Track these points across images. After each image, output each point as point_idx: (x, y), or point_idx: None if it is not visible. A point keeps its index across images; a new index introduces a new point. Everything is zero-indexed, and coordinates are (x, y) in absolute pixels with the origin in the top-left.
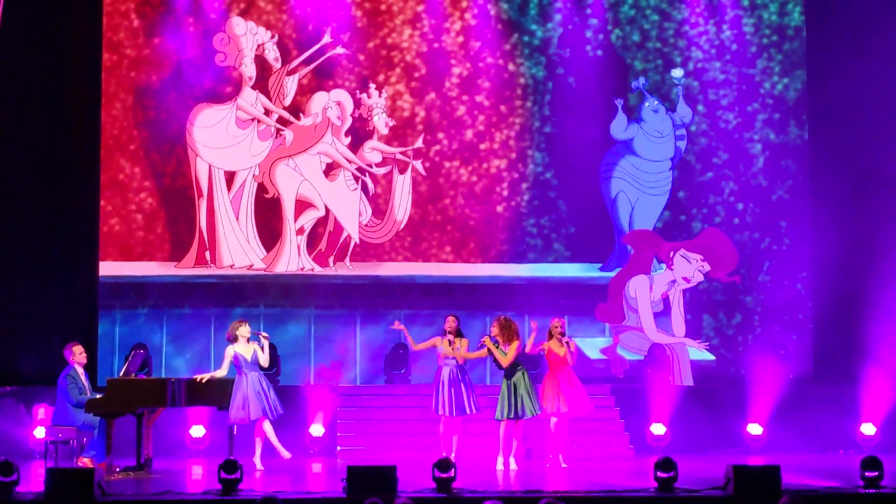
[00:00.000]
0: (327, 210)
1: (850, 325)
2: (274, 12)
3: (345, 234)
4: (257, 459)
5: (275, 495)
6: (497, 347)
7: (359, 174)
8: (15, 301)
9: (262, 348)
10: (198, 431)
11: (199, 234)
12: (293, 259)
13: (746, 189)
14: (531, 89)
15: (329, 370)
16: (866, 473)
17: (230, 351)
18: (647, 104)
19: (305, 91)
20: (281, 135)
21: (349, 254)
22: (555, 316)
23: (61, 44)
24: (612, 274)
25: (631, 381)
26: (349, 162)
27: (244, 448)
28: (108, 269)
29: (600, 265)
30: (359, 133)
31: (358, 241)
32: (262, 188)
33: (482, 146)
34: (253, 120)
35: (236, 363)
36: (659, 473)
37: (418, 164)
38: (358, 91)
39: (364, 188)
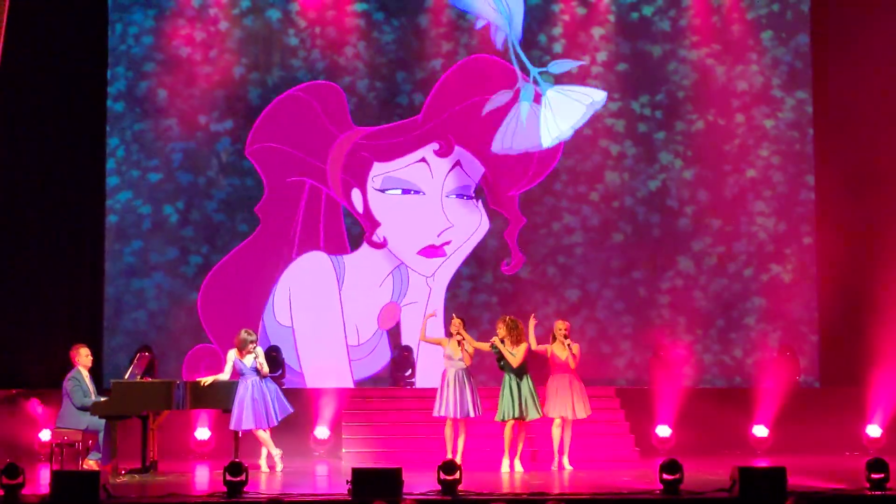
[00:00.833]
0: None
1: (857, 327)
2: None
3: None
4: (263, 462)
5: (280, 498)
6: (505, 348)
7: None
8: (21, 304)
9: (258, 357)
10: (203, 434)
11: None
12: None
13: (752, 191)
14: None
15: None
16: (872, 475)
17: (231, 355)
18: None
19: None
20: None
21: None
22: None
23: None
24: None
25: (636, 382)
26: None
27: (249, 450)
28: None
29: None
30: None
31: None
32: None
33: None
34: None
35: (237, 369)
36: (664, 475)
37: None
38: None
39: None
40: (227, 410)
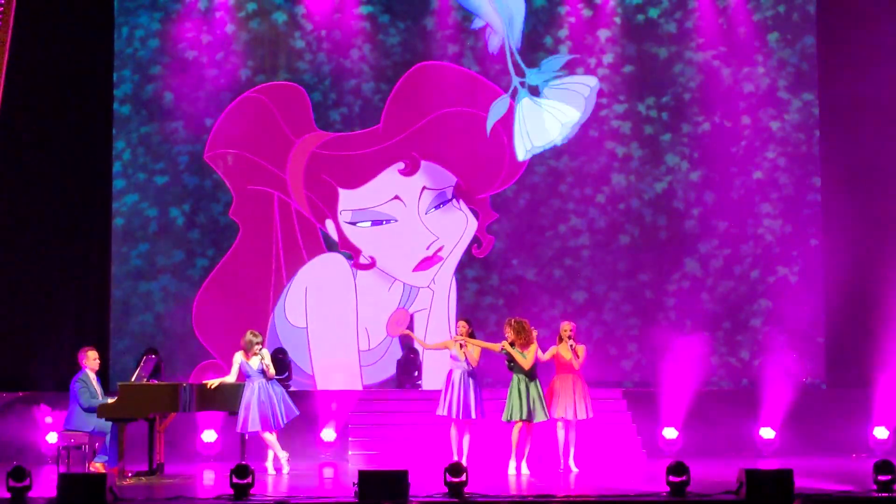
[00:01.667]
0: None
1: (863, 329)
2: None
3: None
4: (269, 464)
5: (287, 500)
6: (515, 350)
7: None
8: (28, 307)
9: (263, 359)
10: (209, 436)
11: None
12: None
13: (758, 193)
14: None
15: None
16: (879, 477)
17: (237, 358)
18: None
19: None
20: None
21: None
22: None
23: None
24: None
25: (643, 384)
26: None
27: (256, 453)
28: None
29: None
30: None
31: None
32: None
33: None
34: None
35: (243, 371)
36: (671, 477)
37: None
38: None
39: None
40: (234, 413)
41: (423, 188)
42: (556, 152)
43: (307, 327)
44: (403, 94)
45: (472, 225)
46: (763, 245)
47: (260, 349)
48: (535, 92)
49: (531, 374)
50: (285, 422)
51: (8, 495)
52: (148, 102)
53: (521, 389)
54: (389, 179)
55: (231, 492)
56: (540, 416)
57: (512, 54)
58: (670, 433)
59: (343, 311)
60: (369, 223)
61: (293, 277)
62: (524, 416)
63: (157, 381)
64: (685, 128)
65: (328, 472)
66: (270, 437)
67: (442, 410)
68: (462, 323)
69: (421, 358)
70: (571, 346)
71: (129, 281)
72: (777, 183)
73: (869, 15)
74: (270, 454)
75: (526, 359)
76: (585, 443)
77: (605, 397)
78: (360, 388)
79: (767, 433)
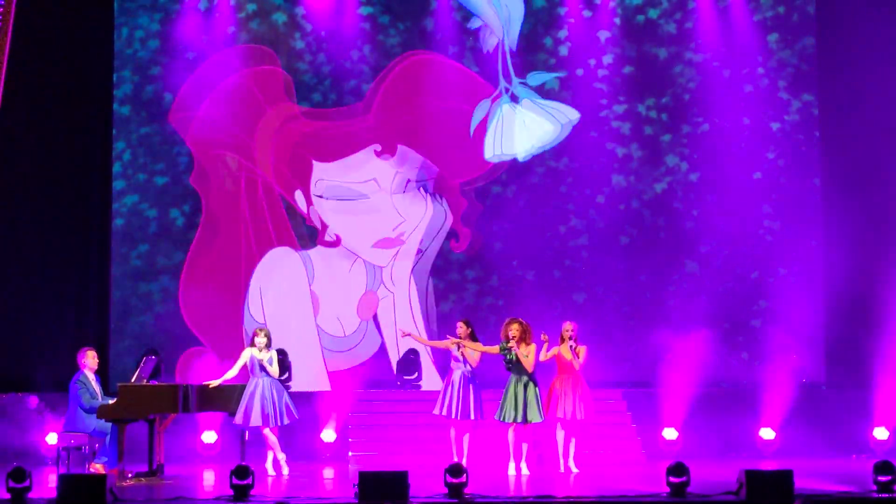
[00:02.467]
0: None
1: (863, 330)
2: None
3: None
4: (269, 465)
5: (287, 501)
6: (521, 351)
7: None
8: (28, 308)
9: (269, 362)
10: (209, 437)
11: None
12: None
13: (758, 193)
14: None
15: None
16: (879, 478)
17: (246, 353)
18: None
19: None
20: None
21: None
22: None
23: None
24: None
25: (643, 385)
26: None
27: (256, 454)
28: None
29: None
30: None
31: None
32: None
33: None
34: None
35: (251, 366)
36: (671, 478)
37: None
38: None
39: None
40: (233, 413)
41: (398, 173)
42: (556, 153)
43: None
44: (399, 80)
45: (431, 213)
46: (763, 245)
47: (268, 347)
48: (515, 99)
49: (531, 375)
50: (286, 422)
51: (8, 496)
52: (148, 103)
53: (518, 391)
54: (365, 159)
55: (231, 493)
56: (535, 418)
57: (505, 57)
58: (670, 434)
59: (301, 303)
60: (340, 201)
61: (251, 277)
62: (518, 418)
63: (156, 382)
64: (685, 128)
65: (328, 473)
66: (272, 437)
67: (440, 410)
68: (461, 324)
69: (420, 359)
70: (572, 346)
71: (129, 282)
72: (777, 183)
73: (868, 15)
74: (270, 455)
75: (529, 359)
76: (586, 444)
77: (606, 398)
78: (327, 381)
79: (767, 434)
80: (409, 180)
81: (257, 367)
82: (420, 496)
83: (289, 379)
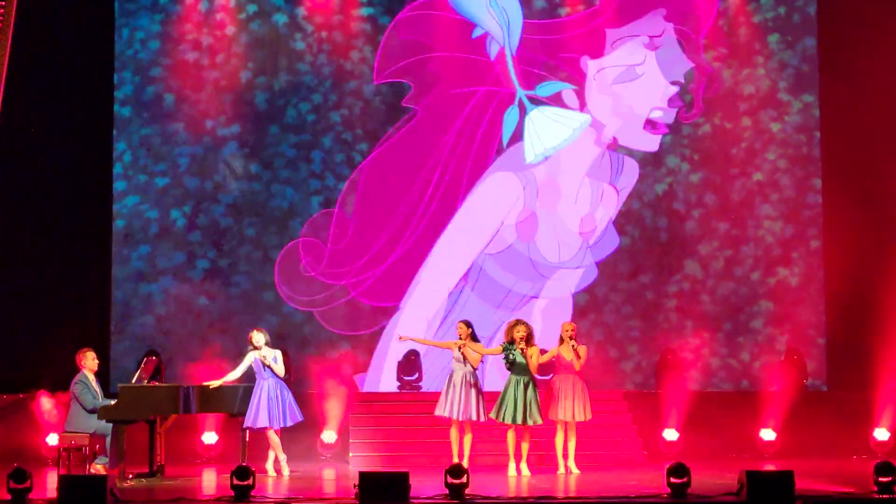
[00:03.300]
0: None
1: (864, 331)
2: None
3: None
4: (270, 466)
5: (287, 501)
6: (528, 352)
7: None
8: (29, 309)
9: (275, 360)
10: (210, 438)
11: None
12: None
13: (759, 194)
14: None
15: None
16: (880, 479)
17: (251, 355)
18: None
19: None
20: None
21: None
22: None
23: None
24: None
25: (643, 386)
26: None
27: (257, 454)
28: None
29: None
30: None
31: None
32: None
33: None
34: None
35: (255, 368)
36: (672, 479)
37: None
38: None
39: None
40: (234, 415)
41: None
42: (556, 153)
43: None
44: None
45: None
46: (764, 246)
47: (267, 347)
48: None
49: (531, 376)
50: (290, 423)
51: (8, 497)
52: (148, 104)
53: (518, 392)
54: None
55: (232, 493)
56: (536, 419)
57: (512, 63)
58: (671, 435)
59: None
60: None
61: None
62: (518, 419)
63: (157, 383)
64: (686, 129)
65: (329, 474)
66: (275, 438)
67: (442, 411)
68: (461, 325)
69: (421, 360)
70: (573, 346)
71: (130, 283)
72: (778, 184)
73: (869, 16)
74: (271, 455)
75: (534, 361)
76: (586, 444)
77: (606, 399)
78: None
79: (768, 435)
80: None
81: (262, 369)
82: (420, 497)
83: (290, 379)
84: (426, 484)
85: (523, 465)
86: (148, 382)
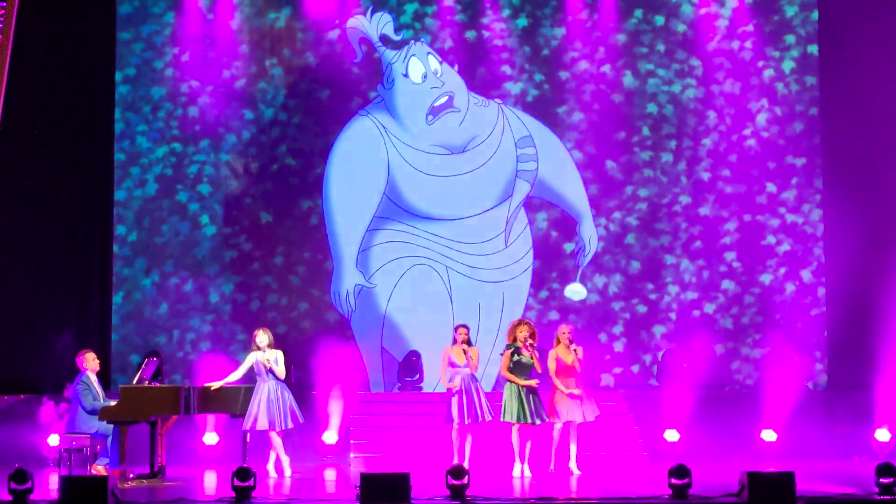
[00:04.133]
0: None
1: (865, 331)
2: None
3: None
4: (271, 467)
5: (288, 502)
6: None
7: None
8: (30, 310)
9: (276, 362)
10: (211, 439)
11: None
12: None
13: (760, 196)
14: None
15: None
16: (881, 480)
17: (251, 357)
18: None
19: None
20: None
21: None
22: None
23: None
24: None
25: (644, 387)
26: None
27: (258, 455)
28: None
29: None
30: None
31: None
32: None
33: None
34: None
35: (256, 370)
36: (673, 480)
37: None
38: None
39: None
40: (235, 415)
41: None
42: None
43: None
44: None
45: None
46: (765, 248)
47: (271, 348)
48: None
49: (531, 376)
50: (291, 425)
51: (9, 498)
52: (150, 102)
53: (522, 392)
54: None
55: (233, 494)
56: (541, 417)
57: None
58: (672, 436)
59: None
60: None
61: None
62: (525, 419)
63: (158, 384)
64: (687, 131)
65: (330, 475)
66: (277, 440)
67: (459, 420)
68: (462, 330)
69: (422, 361)
70: (573, 349)
71: (131, 284)
72: (778, 187)
73: (871, 22)
74: (273, 456)
75: (535, 363)
76: (587, 445)
77: (607, 400)
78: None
79: (769, 436)
80: None
81: (263, 371)
82: (422, 498)
83: (291, 380)
84: (427, 485)
85: (525, 466)
86: (149, 383)
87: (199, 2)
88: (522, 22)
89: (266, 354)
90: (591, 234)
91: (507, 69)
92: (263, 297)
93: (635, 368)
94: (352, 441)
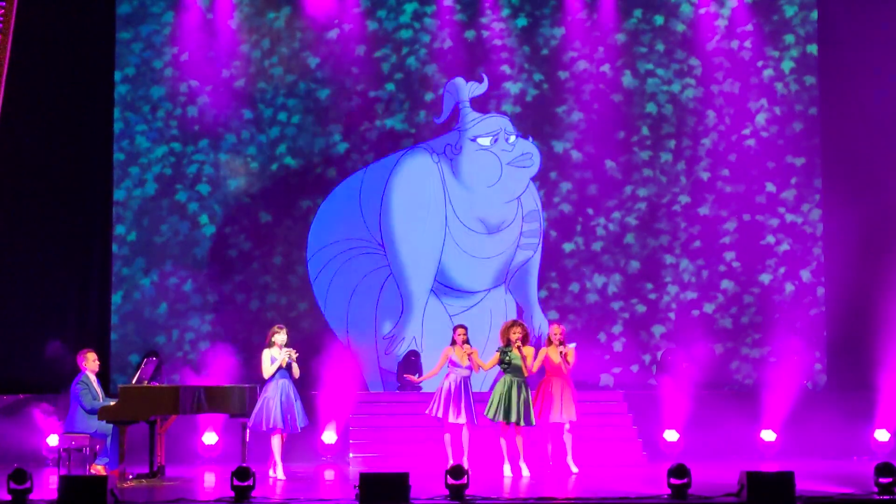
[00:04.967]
0: None
1: (864, 332)
2: None
3: None
4: (279, 469)
5: (287, 502)
6: (527, 355)
7: None
8: (29, 309)
9: (291, 357)
10: (210, 439)
11: None
12: None
13: (760, 196)
14: None
15: None
16: (880, 480)
17: (266, 354)
18: None
19: None
20: None
21: None
22: (555, 322)
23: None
24: None
25: (644, 387)
26: None
27: (257, 455)
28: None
29: None
30: None
31: None
32: None
33: None
34: None
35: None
36: (672, 480)
37: None
38: None
39: None
40: (235, 415)
41: None
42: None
43: None
44: None
45: None
46: (765, 248)
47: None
48: None
49: (524, 378)
50: (300, 427)
51: (9, 497)
52: (150, 102)
53: (513, 391)
54: None
55: (232, 494)
56: (530, 421)
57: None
58: (671, 435)
59: None
60: None
61: None
62: (512, 419)
63: (157, 384)
64: (686, 131)
65: (329, 475)
66: (276, 442)
67: (436, 412)
68: (461, 330)
69: (422, 361)
70: (562, 351)
71: (131, 284)
72: (778, 187)
73: (871, 22)
74: (279, 462)
75: (528, 362)
76: (586, 445)
77: (606, 399)
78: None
79: (769, 435)
80: None
81: (278, 369)
82: (421, 497)
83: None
84: (426, 485)
85: (523, 465)
86: (148, 383)
87: (199, 1)
88: (522, 22)
89: (281, 353)
90: (540, 322)
91: (506, 69)
92: (263, 296)
93: (635, 368)
94: (351, 441)
